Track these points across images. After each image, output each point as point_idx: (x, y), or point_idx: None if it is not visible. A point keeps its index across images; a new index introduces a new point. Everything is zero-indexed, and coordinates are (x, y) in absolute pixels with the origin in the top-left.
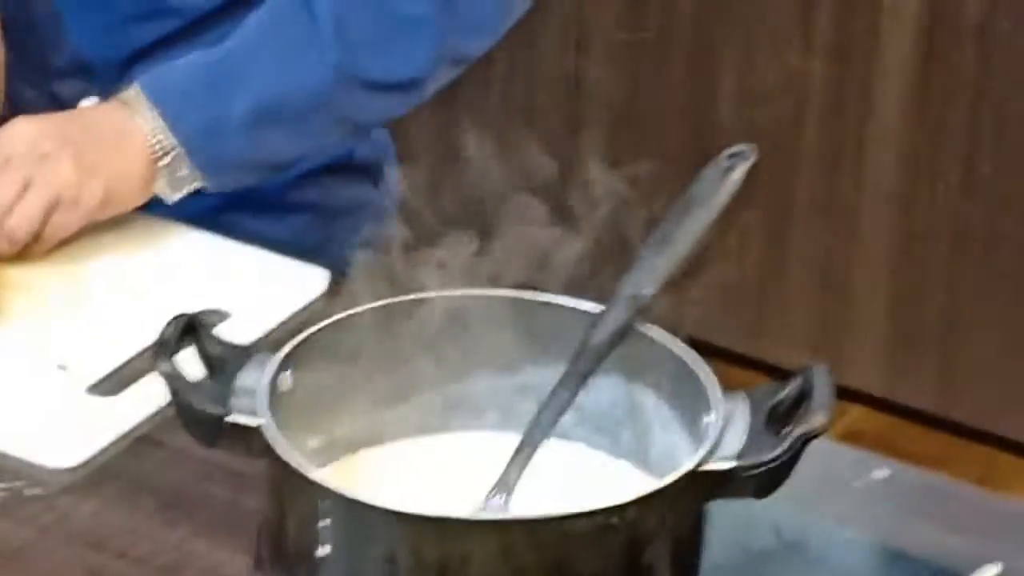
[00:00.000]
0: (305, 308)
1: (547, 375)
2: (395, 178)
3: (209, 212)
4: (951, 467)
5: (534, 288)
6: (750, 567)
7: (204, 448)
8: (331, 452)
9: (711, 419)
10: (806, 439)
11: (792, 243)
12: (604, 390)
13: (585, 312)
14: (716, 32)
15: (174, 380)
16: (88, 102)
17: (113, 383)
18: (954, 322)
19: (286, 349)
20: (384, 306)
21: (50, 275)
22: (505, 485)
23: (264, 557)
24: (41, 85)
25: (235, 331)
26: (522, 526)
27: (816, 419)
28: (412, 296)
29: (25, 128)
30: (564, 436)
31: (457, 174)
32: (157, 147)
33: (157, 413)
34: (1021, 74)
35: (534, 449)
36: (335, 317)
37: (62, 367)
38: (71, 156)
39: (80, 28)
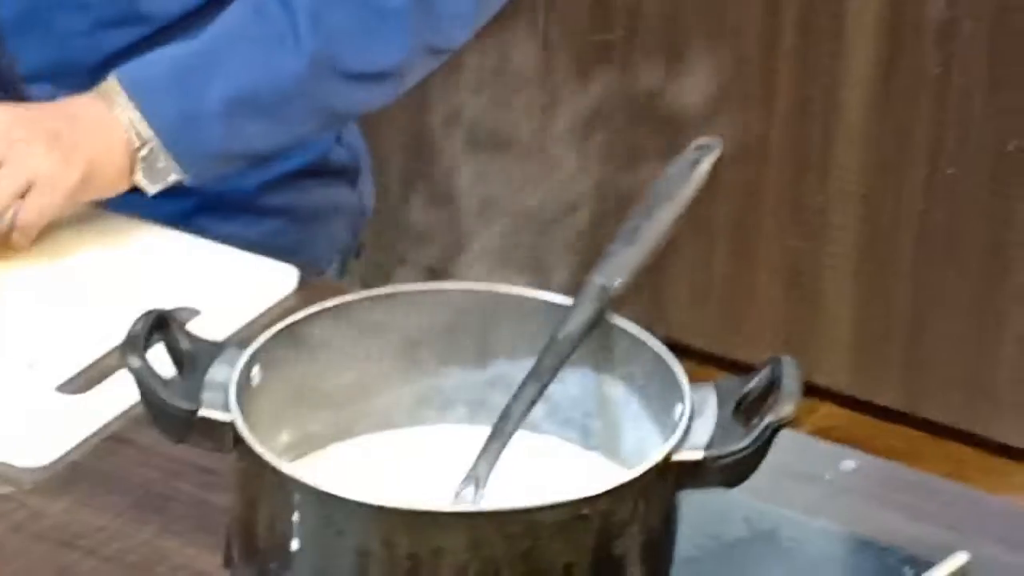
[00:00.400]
0: (275, 306)
1: (517, 368)
2: (370, 180)
3: (182, 215)
4: (919, 463)
5: (503, 281)
6: (722, 557)
7: (173, 445)
8: (301, 447)
9: (680, 410)
10: (775, 428)
11: (759, 243)
12: (574, 382)
13: (554, 304)
14: (681, 32)
15: (143, 375)
16: None
17: (82, 381)
18: (920, 320)
19: (256, 344)
20: (353, 301)
21: (18, 273)
22: (475, 478)
23: (234, 553)
24: (10, 89)
25: (205, 328)
26: (493, 518)
27: (784, 408)
28: (381, 291)
29: (0, 115)
30: (534, 428)
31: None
32: (134, 139)
33: (126, 411)
34: (983, 73)
35: (504, 442)
36: (304, 312)
37: (30, 365)
38: (46, 140)
39: (39, 36)
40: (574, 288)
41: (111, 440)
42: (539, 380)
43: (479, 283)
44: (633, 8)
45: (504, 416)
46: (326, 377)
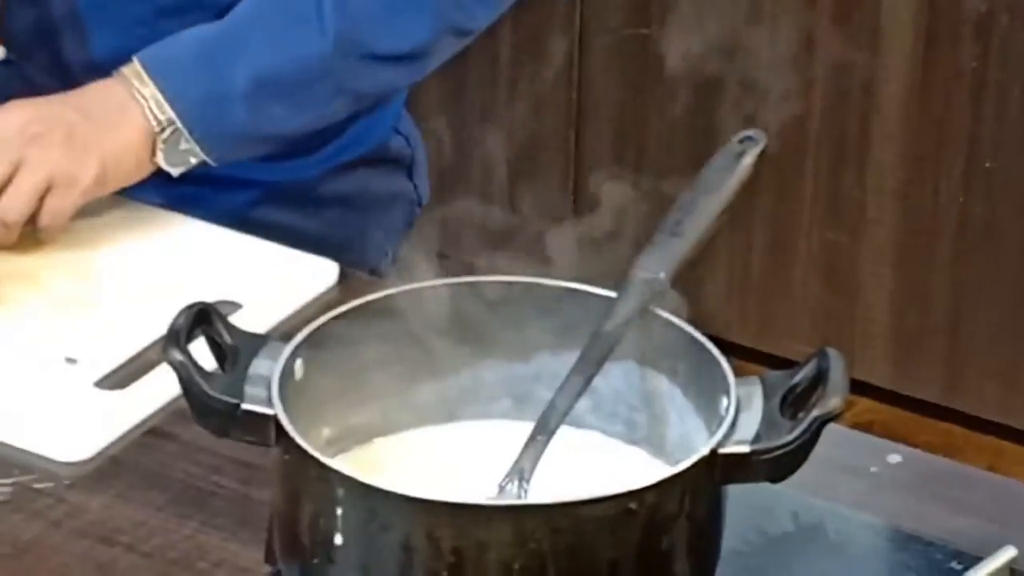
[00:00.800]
0: (316, 300)
1: (560, 361)
2: (424, 170)
3: (244, 206)
4: (958, 457)
5: (547, 275)
6: (768, 551)
7: (214, 440)
8: (344, 441)
9: (726, 403)
10: (822, 422)
11: (797, 237)
12: (618, 376)
13: (598, 297)
14: (715, 25)
15: (185, 369)
16: None
17: (122, 376)
18: (959, 313)
19: (299, 338)
20: (396, 294)
21: (59, 268)
22: (520, 472)
23: (276, 549)
24: (65, 80)
25: (246, 323)
26: (539, 512)
27: (831, 402)
28: (424, 284)
29: (17, 112)
30: (578, 422)
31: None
32: (155, 122)
33: (167, 406)
34: (1021, 67)
35: (548, 436)
36: (347, 306)
37: (71, 360)
38: (63, 137)
39: (108, 23)
40: (617, 279)
41: (151, 435)
42: (583, 374)
43: (522, 276)
44: (668, 1)
45: (548, 410)
46: (369, 371)
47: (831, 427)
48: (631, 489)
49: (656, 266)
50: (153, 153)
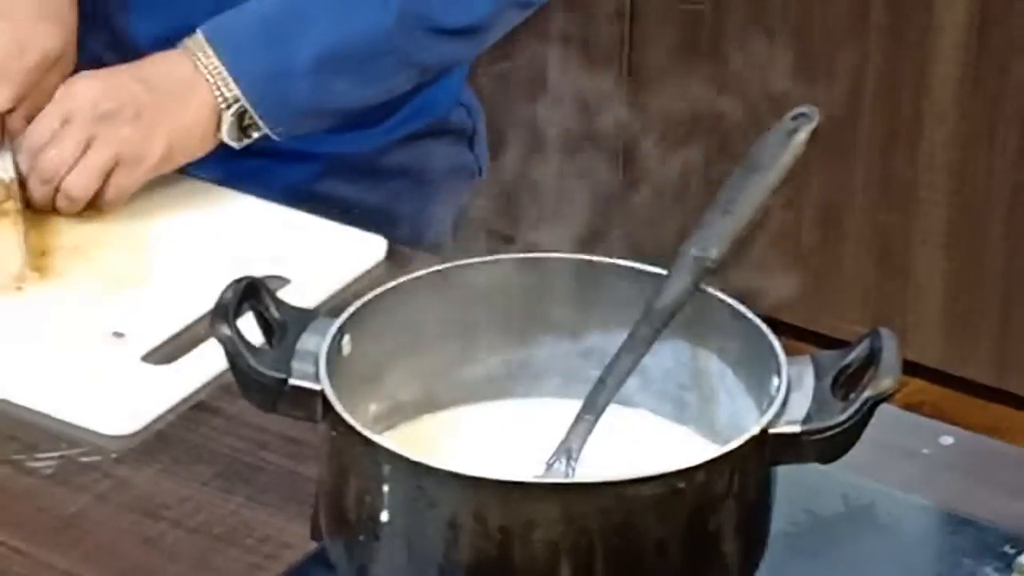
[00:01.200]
0: (364, 275)
1: (610, 339)
2: (484, 142)
3: (308, 178)
4: (1008, 438)
5: (597, 251)
6: (818, 532)
7: (261, 414)
8: (391, 418)
9: (777, 383)
10: (874, 403)
11: (849, 216)
12: (667, 355)
13: (649, 275)
14: (770, 5)
15: (233, 344)
16: None
17: (169, 350)
18: (1011, 294)
19: (347, 313)
20: (444, 270)
21: (107, 242)
22: (568, 450)
23: (322, 525)
24: (125, 54)
25: (294, 298)
26: (587, 490)
27: (884, 382)
28: (472, 260)
29: (87, 85)
30: (627, 401)
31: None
32: (220, 97)
33: (213, 380)
34: None
35: (597, 414)
36: (395, 281)
37: (118, 335)
38: (132, 113)
39: (177, 2)
40: (668, 256)
41: (198, 409)
42: (633, 352)
43: (573, 253)
44: None
45: (597, 388)
46: (417, 347)
47: (882, 408)
48: (679, 468)
49: (707, 244)
50: (217, 128)
